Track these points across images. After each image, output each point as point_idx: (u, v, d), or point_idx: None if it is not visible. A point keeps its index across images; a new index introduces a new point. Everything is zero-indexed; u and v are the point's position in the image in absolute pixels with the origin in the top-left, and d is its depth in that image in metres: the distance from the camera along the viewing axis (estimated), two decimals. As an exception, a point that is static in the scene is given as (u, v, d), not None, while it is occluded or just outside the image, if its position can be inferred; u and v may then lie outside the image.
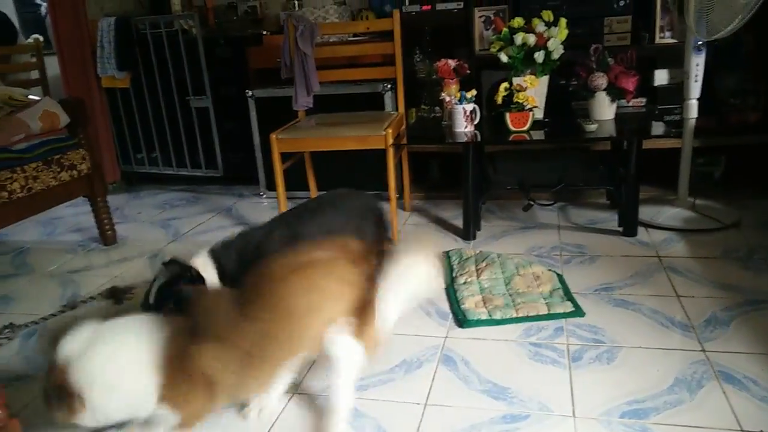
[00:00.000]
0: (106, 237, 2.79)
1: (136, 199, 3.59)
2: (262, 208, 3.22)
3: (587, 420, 1.38)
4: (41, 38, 4.00)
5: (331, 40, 3.24)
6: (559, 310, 1.86)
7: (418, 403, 1.49)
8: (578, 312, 1.85)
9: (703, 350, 1.61)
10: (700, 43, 2.34)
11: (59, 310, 2.16)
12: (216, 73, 3.43)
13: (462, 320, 1.86)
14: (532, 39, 2.52)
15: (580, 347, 1.67)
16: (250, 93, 3.20)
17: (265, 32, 3.47)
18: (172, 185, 3.76)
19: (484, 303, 1.94)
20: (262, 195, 3.41)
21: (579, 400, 1.45)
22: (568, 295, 1.95)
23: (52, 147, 2.51)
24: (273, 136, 2.57)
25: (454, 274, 2.17)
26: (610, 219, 2.61)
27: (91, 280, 2.41)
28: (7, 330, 2.03)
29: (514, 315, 1.85)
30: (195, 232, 2.91)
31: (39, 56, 3.76)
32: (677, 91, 2.55)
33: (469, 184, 2.44)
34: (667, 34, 2.82)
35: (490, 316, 1.86)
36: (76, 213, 3.29)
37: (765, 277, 1.99)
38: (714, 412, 1.37)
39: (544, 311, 1.86)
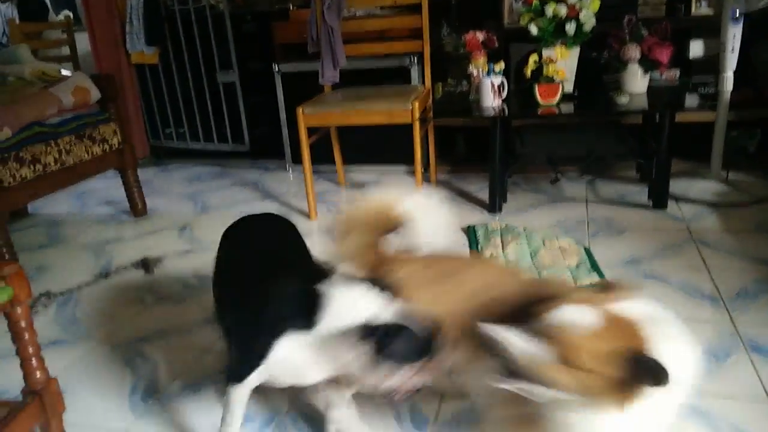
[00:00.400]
0: (137, 209, 2.85)
1: (164, 173, 3.65)
2: (289, 182, 3.25)
3: (613, 389, 1.38)
4: (71, 15, 4.06)
5: (358, 14, 3.22)
6: (585, 282, 1.85)
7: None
8: (605, 284, 1.83)
9: (732, 322, 1.59)
10: (738, 13, 2.27)
11: (93, 279, 2.22)
12: (243, 48, 3.44)
13: (487, 291, 1.86)
14: (563, 10, 2.46)
15: (607, 319, 1.66)
16: (276, 68, 3.21)
17: (291, 6, 3.46)
18: (199, 160, 3.81)
19: (510, 275, 1.94)
20: (288, 169, 3.43)
21: (605, 370, 1.45)
22: (595, 267, 1.94)
23: (84, 121, 2.56)
24: (299, 110, 2.58)
25: (479, 247, 2.17)
26: (640, 192, 2.57)
27: (122, 250, 2.47)
28: (43, 297, 2.09)
29: (540, 287, 1.85)
30: (222, 205, 2.96)
31: (69, 32, 3.81)
32: (712, 63, 2.49)
33: (496, 157, 2.42)
34: (704, 4, 2.73)
35: (516, 287, 1.85)
36: (108, 186, 3.36)
37: (799, 252, 1.95)
38: (741, 381, 1.36)
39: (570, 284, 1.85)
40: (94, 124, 2.61)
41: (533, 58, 2.43)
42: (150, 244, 2.51)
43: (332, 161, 3.09)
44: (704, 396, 1.33)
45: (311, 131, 2.68)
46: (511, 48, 2.95)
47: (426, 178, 2.99)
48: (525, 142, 2.71)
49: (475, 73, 2.68)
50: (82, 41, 3.74)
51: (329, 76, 2.80)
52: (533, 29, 2.52)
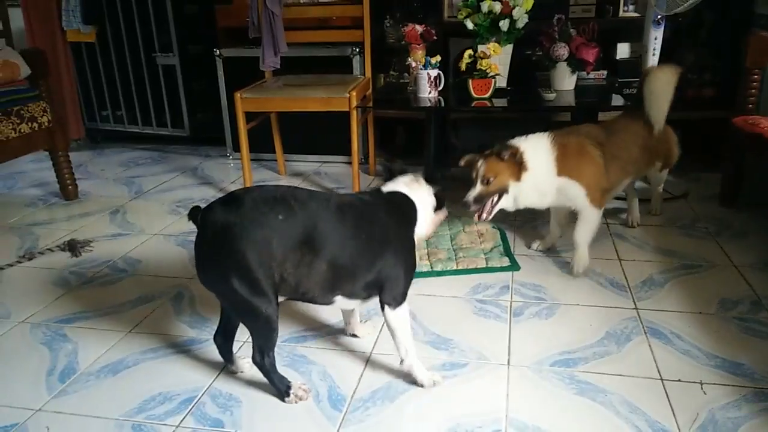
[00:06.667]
0: (68, 192, 2.78)
1: (100, 156, 3.56)
2: (229, 169, 3.23)
3: (520, 368, 1.45)
4: (4, -12, 3.89)
5: (301, 1, 3.22)
6: (496, 264, 1.98)
7: (364, 352, 1.55)
8: (514, 266, 1.97)
9: (636, 308, 1.70)
10: (660, 17, 2.38)
11: (16, 260, 2.16)
12: (184, 31, 3.39)
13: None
14: (498, 7, 2.54)
15: (522, 304, 1.75)
16: (217, 52, 3.18)
17: (234, -10, 3.42)
18: (137, 144, 3.74)
19: (429, 257, 2.05)
20: (228, 156, 3.41)
21: (515, 351, 1.52)
22: (507, 252, 2.07)
23: (11, 98, 2.49)
24: (237, 95, 2.57)
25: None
26: (567, 187, 2.68)
27: (50, 233, 2.41)
28: (-38, 278, 2.03)
29: (454, 267, 1.97)
30: (158, 190, 2.92)
31: (2, 8, 3.66)
32: (637, 64, 2.61)
33: (431, 148, 2.48)
34: (631, 7, 2.86)
35: (431, 268, 1.97)
36: (39, 168, 3.26)
37: (705, 245, 2.08)
38: (638, 363, 1.45)
39: (482, 265, 1.98)
40: (23, 101, 2.53)
41: (468, 53, 2.49)
42: (79, 227, 2.46)
43: (274, 150, 3.09)
44: (602, 374, 1.42)
45: (250, 117, 2.67)
46: (451, 42, 3.01)
47: (364, 169, 3.03)
48: (460, 136, 2.78)
49: (413, 65, 2.73)
50: (16, 18, 3.59)
51: (270, 62, 2.80)
52: (469, 24, 2.59)
